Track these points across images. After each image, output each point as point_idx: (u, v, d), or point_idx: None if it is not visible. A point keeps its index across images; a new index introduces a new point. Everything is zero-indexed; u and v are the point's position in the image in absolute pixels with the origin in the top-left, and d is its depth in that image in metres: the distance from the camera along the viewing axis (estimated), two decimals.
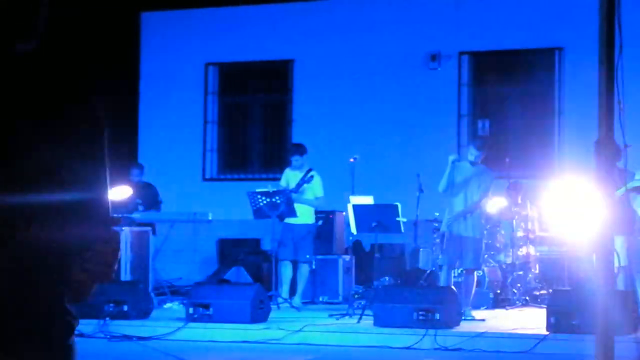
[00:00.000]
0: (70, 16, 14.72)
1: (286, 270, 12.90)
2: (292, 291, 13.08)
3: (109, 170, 2.41)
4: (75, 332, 2.45)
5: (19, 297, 2.27)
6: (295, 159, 13.12)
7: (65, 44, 14.43)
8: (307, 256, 12.91)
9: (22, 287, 2.27)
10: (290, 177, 13.08)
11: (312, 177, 12.89)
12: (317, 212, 13.69)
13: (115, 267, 2.43)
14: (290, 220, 12.79)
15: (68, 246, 2.32)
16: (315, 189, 12.91)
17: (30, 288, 2.29)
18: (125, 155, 16.37)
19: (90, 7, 15.72)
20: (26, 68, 2.36)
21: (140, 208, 14.16)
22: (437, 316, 10.24)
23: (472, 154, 11.50)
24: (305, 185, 12.82)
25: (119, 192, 12.80)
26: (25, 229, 2.27)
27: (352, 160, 13.21)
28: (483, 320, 11.25)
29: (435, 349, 9.86)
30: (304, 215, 12.86)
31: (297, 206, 12.73)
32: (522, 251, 13.51)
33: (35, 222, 2.27)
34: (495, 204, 13.44)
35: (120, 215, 12.76)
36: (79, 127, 2.33)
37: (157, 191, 14.74)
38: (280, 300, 12.65)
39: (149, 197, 14.48)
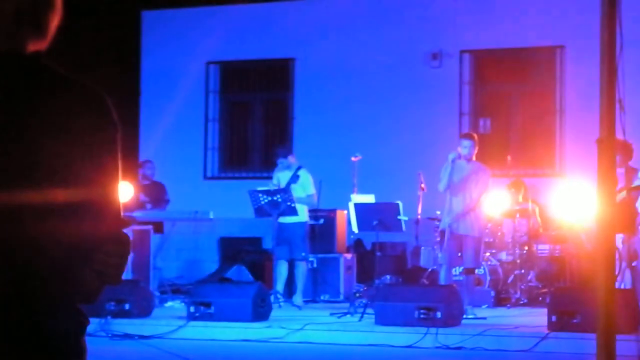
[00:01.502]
0: (72, 15, 14.72)
1: (281, 269, 12.91)
2: (292, 290, 13.10)
3: (120, 169, 2.41)
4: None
5: (27, 298, 2.27)
6: (280, 161, 13.22)
7: (63, 43, 14.42)
8: (303, 254, 12.92)
9: (31, 288, 2.27)
10: (280, 178, 13.18)
11: (298, 176, 12.95)
12: (317, 211, 13.72)
13: (125, 269, 2.43)
14: (283, 220, 12.80)
15: (76, 247, 2.31)
16: (305, 186, 12.94)
17: (38, 288, 2.28)
18: (126, 154, 16.36)
19: (91, 5, 15.72)
20: (36, 67, 2.36)
21: (148, 206, 14.17)
22: (439, 315, 10.23)
23: (464, 147, 11.44)
24: (292, 185, 12.88)
25: (123, 190, 12.79)
26: (32, 229, 2.26)
27: (354, 159, 13.21)
28: (484, 318, 11.25)
29: (437, 347, 9.86)
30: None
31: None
32: (524, 249, 13.49)
33: (42, 222, 2.27)
34: (496, 202, 13.45)
35: (131, 216, 12.74)
36: (89, 124, 2.33)
37: (166, 190, 14.73)
38: (279, 297, 12.64)
39: (158, 195, 14.49)
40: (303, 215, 12.98)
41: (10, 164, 2.25)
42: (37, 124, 2.27)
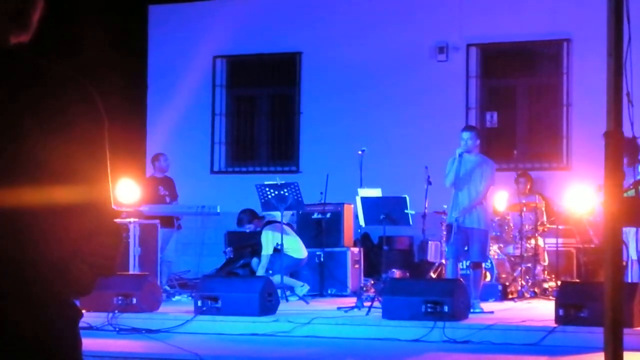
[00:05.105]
0: (78, 9, 14.73)
1: None
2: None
3: (109, 163, 2.40)
4: (84, 325, 2.45)
5: (21, 293, 2.26)
6: (245, 227, 13.82)
7: (71, 38, 14.44)
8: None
9: (25, 283, 2.27)
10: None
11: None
12: (324, 205, 13.81)
13: (118, 260, 2.42)
14: None
15: (69, 240, 2.31)
16: (263, 247, 13.38)
17: (33, 283, 2.28)
18: (133, 148, 16.39)
19: (99, 0, 15.72)
20: (20, 60, 2.34)
21: (167, 200, 14.17)
22: (446, 308, 10.23)
23: (462, 139, 11.39)
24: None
25: (126, 186, 12.81)
26: (27, 225, 2.26)
27: (360, 152, 13.22)
28: (491, 312, 11.24)
29: (444, 341, 9.86)
30: None
31: None
32: (531, 243, 13.48)
33: (37, 218, 2.26)
34: (502, 196, 13.45)
35: (122, 209, 12.74)
36: (78, 120, 2.31)
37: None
38: (287, 292, 12.70)
39: (173, 189, 14.50)
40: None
41: (3, 160, 2.24)
42: (27, 119, 2.26)
